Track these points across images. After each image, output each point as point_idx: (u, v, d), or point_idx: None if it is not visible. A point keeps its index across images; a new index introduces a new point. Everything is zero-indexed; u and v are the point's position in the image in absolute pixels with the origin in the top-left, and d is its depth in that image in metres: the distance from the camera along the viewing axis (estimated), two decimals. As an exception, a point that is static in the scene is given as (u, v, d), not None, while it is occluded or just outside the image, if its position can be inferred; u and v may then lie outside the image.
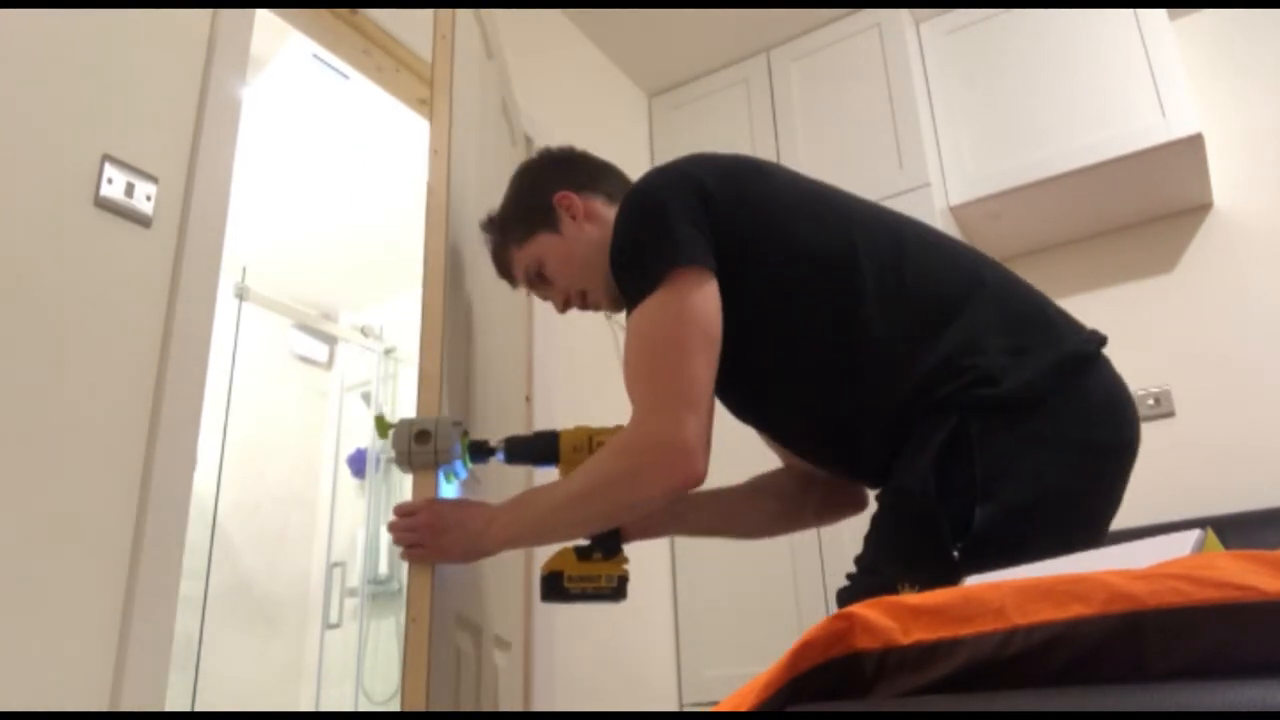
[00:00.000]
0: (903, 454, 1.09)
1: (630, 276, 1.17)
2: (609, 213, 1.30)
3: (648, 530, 1.39)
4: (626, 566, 1.29)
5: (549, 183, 1.34)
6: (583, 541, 1.28)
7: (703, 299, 1.12)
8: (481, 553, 1.26)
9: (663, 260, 1.12)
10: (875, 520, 1.13)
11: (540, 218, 1.32)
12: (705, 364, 1.10)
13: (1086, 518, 1.09)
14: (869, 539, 1.13)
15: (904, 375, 1.09)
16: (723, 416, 1.19)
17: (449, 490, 1.31)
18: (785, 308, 1.16)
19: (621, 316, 1.32)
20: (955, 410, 1.05)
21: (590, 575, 1.28)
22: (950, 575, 0.97)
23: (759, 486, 1.42)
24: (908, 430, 1.09)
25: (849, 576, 1.13)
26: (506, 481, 1.67)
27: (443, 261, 1.37)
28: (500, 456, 1.31)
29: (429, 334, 1.34)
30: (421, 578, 1.23)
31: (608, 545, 1.28)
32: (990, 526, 1.00)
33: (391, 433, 1.28)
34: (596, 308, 1.36)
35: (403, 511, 1.25)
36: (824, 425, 1.19)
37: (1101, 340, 1.14)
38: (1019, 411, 1.05)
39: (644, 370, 1.13)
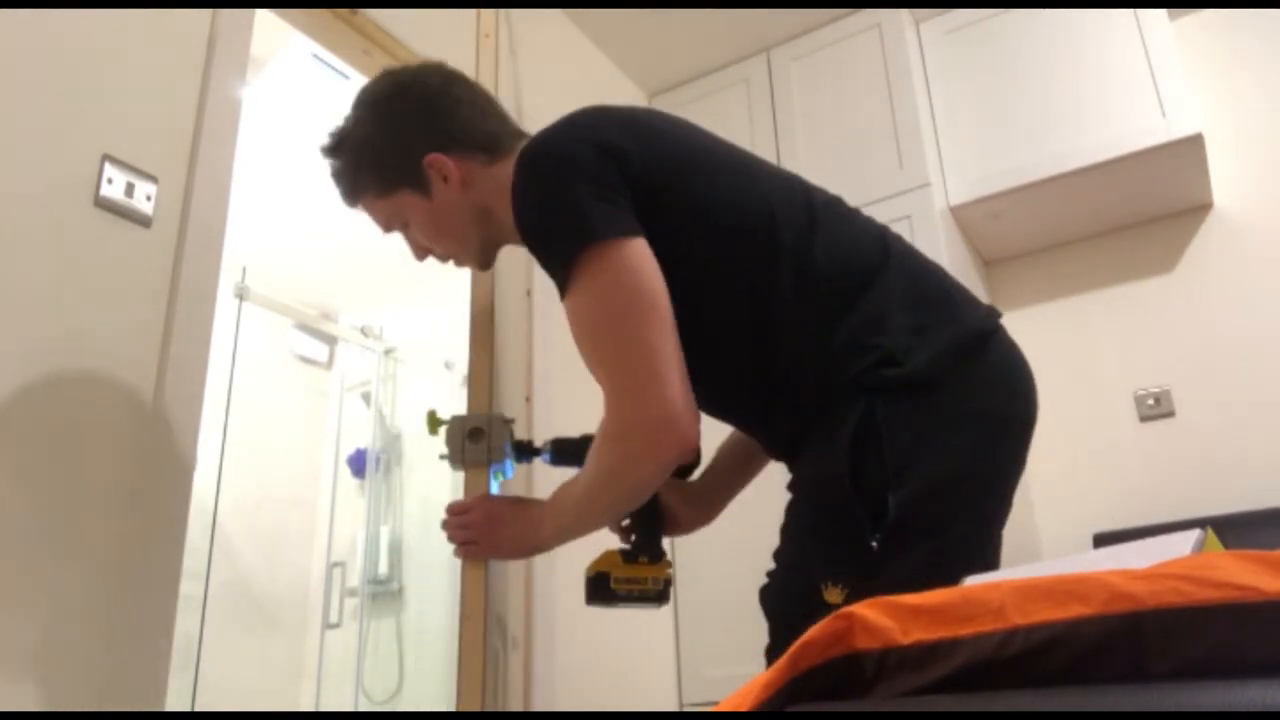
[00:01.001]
0: (812, 438, 1.07)
1: (551, 258, 1.10)
2: (487, 174, 1.22)
3: (699, 519, 1.36)
4: (670, 570, 1.30)
5: (417, 137, 1.22)
6: (625, 546, 1.28)
7: (632, 262, 1.04)
8: (536, 548, 1.25)
9: (574, 243, 1.05)
10: (790, 510, 1.11)
11: (407, 175, 1.22)
12: (656, 325, 1.04)
13: (996, 492, 1.08)
14: (786, 531, 1.11)
15: (816, 349, 1.07)
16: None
17: (494, 490, 1.31)
18: (699, 276, 1.10)
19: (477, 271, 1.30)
20: (863, 393, 1.03)
21: (637, 578, 1.28)
22: (871, 567, 0.97)
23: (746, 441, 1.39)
24: (819, 409, 1.07)
25: (769, 574, 1.12)
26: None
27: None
28: (546, 457, 1.31)
29: (479, 332, 1.34)
30: (475, 574, 1.24)
31: (652, 549, 1.28)
32: (905, 513, 0.98)
33: (444, 430, 1.27)
34: (460, 265, 1.32)
35: (456, 509, 1.24)
36: (738, 395, 1.16)
37: (997, 315, 1.14)
38: (922, 391, 1.03)
39: (596, 355, 1.08)
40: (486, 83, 1.44)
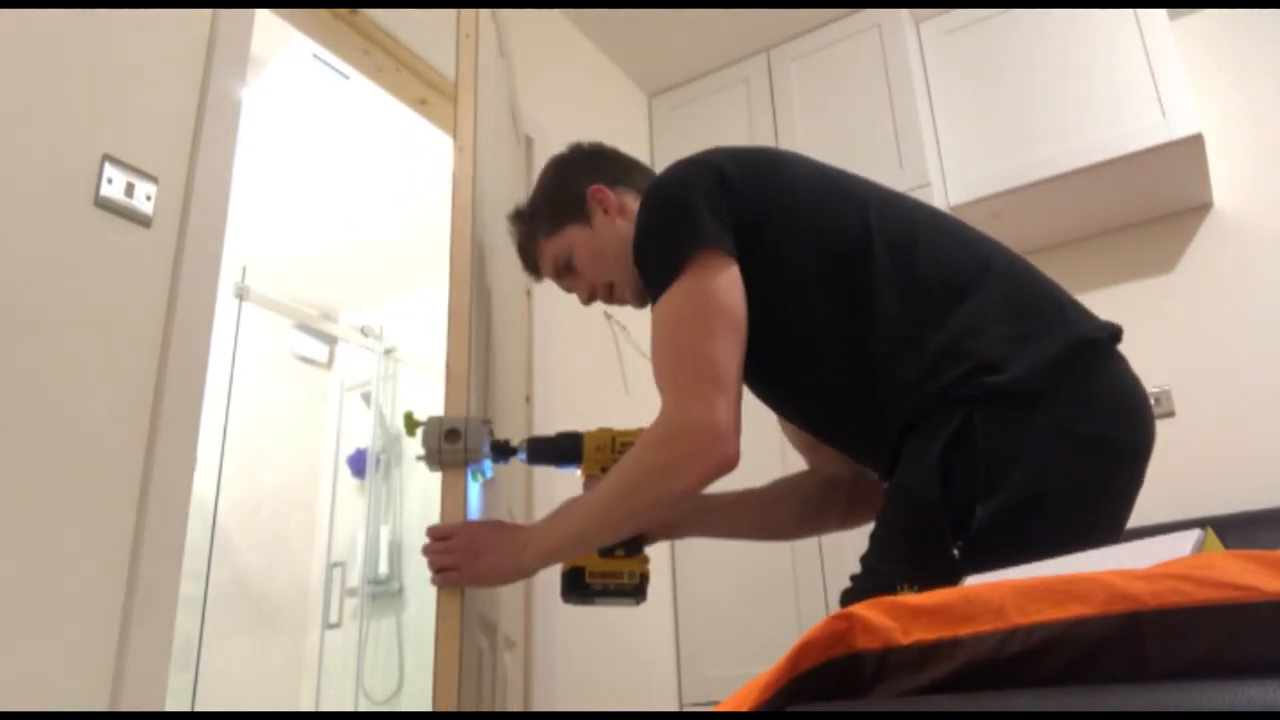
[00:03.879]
0: (908, 447, 1.08)
1: (652, 265, 1.17)
2: (638, 207, 1.30)
3: (674, 529, 1.39)
4: (648, 566, 1.29)
5: (581, 176, 1.35)
6: None
7: (724, 282, 1.12)
8: (520, 574, 1.24)
9: (684, 246, 1.13)
10: (880, 518, 1.12)
11: (572, 210, 1.33)
12: (730, 346, 1.10)
13: (1092, 518, 1.06)
14: (874, 536, 1.12)
15: (913, 360, 1.08)
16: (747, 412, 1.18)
17: (474, 490, 1.31)
18: (801, 297, 1.15)
19: (619, 315, 1.33)
20: (961, 403, 1.04)
21: (613, 571, 1.27)
22: (951, 575, 0.97)
23: (783, 489, 1.41)
24: (917, 419, 1.07)
25: (853, 578, 1.13)
26: (513, 481, 1.67)
27: (469, 259, 1.37)
28: (522, 456, 1.31)
29: (456, 332, 1.33)
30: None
31: (630, 542, 1.27)
32: (991, 525, 0.99)
33: (421, 430, 1.27)
34: (622, 302, 1.36)
35: (437, 534, 1.24)
36: (840, 410, 1.18)
37: (1115, 330, 1.12)
38: (1022, 402, 1.03)
39: (669, 357, 1.13)
40: (465, 85, 1.45)
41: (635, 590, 1.28)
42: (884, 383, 1.11)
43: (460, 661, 1.17)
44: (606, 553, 1.27)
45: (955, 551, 0.99)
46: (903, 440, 1.09)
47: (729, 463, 1.08)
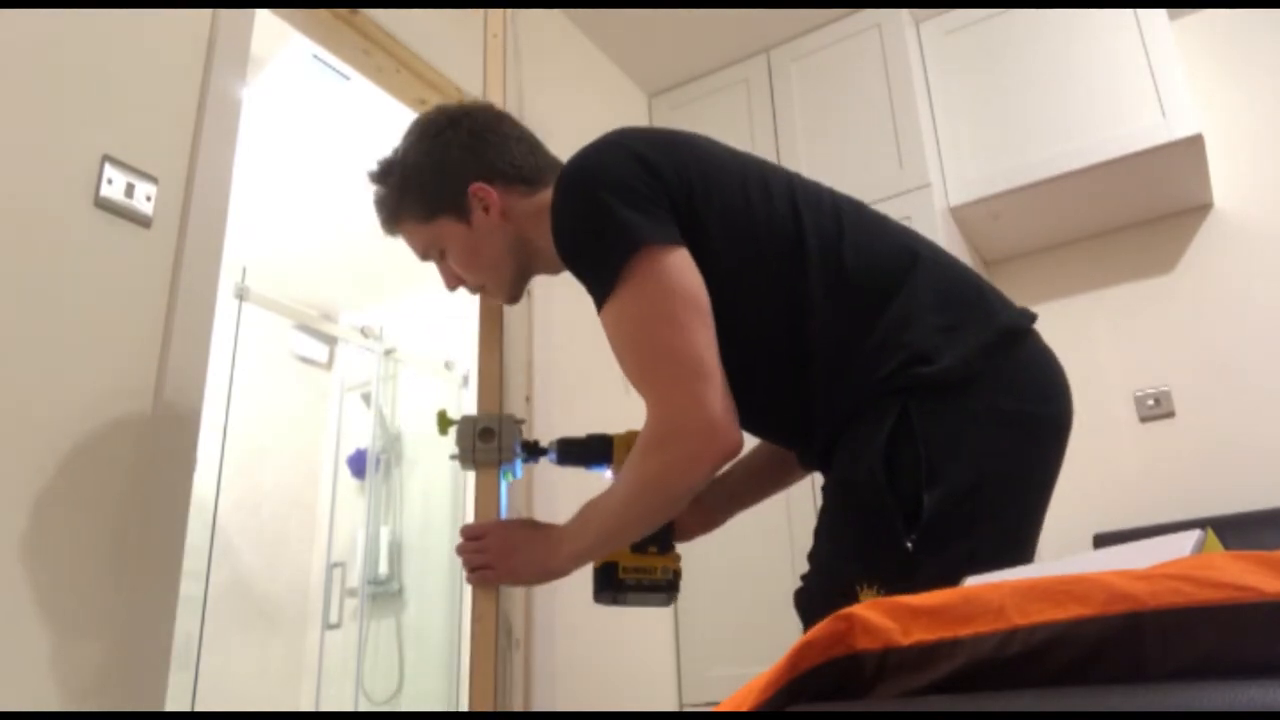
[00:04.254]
0: (845, 441, 1.07)
1: (591, 269, 1.11)
2: (526, 205, 1.25)
3: (707, 524, 1.38)
4: (680, 563, 1.29)
5: (463, 164, 1.25)
6: None
7: (675, 270, 1.06)
8: (553, 573, 1.23)
9: (622, 247, 1.06)
10: (824, 514, 1.11)
11: (450, 202, 1.25)
12: (702, 331, 1.06)
13: (1030, 492, 1.08)
14: (819, 533, 1.11)
15: (848, 356, 1.08)
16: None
17: (502, 490, 1.31)
18: (732, 287, 1.11)
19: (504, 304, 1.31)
20: (897, 394, 1.04)
21: (646, 567, 1.26)
22: (906, 568, 0.97)
23: (769, 447, 1.40)
24: (853, 412, 1.07)
25: (803, 577, 1.12)
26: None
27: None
28: (552, 457, 1.30)
29: (487, 332, 1.34)
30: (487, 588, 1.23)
31: (661, 540, 1.27)
32: (940, 512, 0.99)
33: (454, 429, 1.27)
34: (490, 298, 1.34)
35: (470, 534, 1.24)
36: (774, 405, 1.16)
37: (1032, 317, 1.14)
38: (954, 391, 1.04)
39: (642, 358, 1.09)
40: (495, 84, 1.45)
41: (668, 586, 1.28)
42: (821, 377, 1.09)
43: (496, 661, 1.17)
44: (639, 549, 1.26)
45: (909, 544, 0.98)
46: (839, 433, 1.08)
47: (733, 449, 1.06)
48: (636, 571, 1.26)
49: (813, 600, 1.09)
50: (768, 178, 1.18)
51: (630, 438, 1.29)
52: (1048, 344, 1.14)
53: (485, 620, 1.20)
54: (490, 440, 1.25)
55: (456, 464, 1.29)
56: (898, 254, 1.13)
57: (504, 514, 1.31)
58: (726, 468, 1.13)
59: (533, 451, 1.30)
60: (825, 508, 1.11)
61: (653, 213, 1.08)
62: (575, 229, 1.12)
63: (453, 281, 1.32)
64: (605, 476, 1.30)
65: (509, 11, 1.57)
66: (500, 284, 1.30)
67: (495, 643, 1.18)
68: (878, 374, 1.05)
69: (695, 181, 1.12)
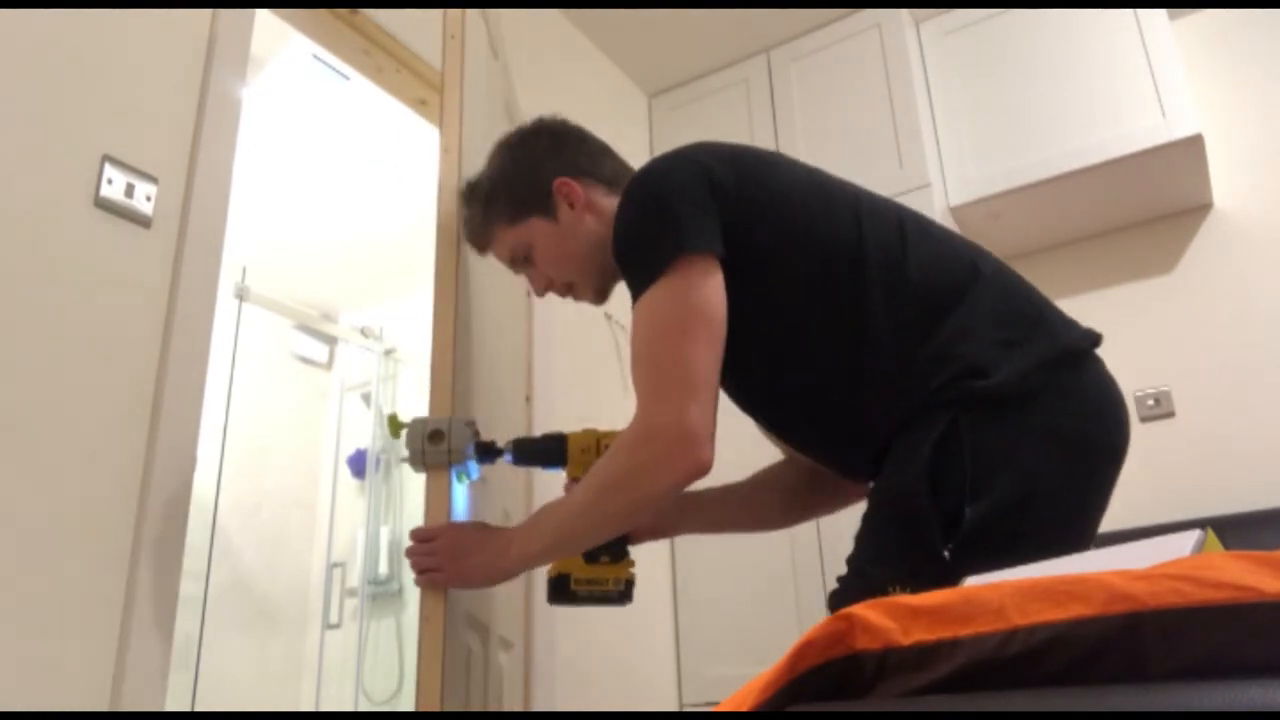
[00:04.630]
0: (895, 450, 1.08)
1: (635, 265, 1.15)
2: (608, 203, 1.27)
3: (658, 531, 1.39)
4: (633, 570, 1.29)
5: (547, 164, 1.28)
6: None
7: (707, 286, 1.09)
8: (503, 575, 1.24)
9: (668, 248, 1.10)
10: (866, 519, 1.12)
11: (536, 200, 1.27)
12: (708, 350, 1.08)
13: (1076, 516, 1.08)
14: (859, 538, 1.12)
15: (904, 369, 1.08)
16: (724, 411, 1.18)
17: (460, 491, 1.31)
18: (792, 299, 1.14)
19: (619, 315, 1.32)
20: (948, 406, 1.04)
21: (598, 578, 1.27)
22: (941, 576, 0.97)
23: (764, 480, 1.41)
24: (904, 422, 1.08)
25: (839, 579, 1.13)
26: (509, 482, 1.67)
27: (454, 261, 1.37)
28: (508, 458, 1.31)
29: (440, 334, 1.33)
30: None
31: (614, 548, 1.27)
32: (980, 525, 0.99)
33: (404, 432, 1.27)
34: (579, 299, 1.34)
35: (420, 536, 1.24)
36: (827, 420, 1.18)
37: (1095, 338, 1.14)
38: (1010, 406, 1.04)
39: (646, 359, 1.11)
40: (452, 86, 1.45)
41: (620, 596, 1.28)
42: (874, 387, 1.10)
43: (443, 662, 1.17)
44: (591, 559, 1.27)
45: (946, 553, 0.99)
46: (889, 443, 1.09)
47: (701, 467, 1.07)
48: (589, 583, 1.27)
49: (846, 602, 1.09)
50: (832, 191, 1.20)
51: (584, 437, 1.29)
52: (1109, 371, 1.14)
53: (432, 621, 1.20)
54: (440, 442, 1.25)
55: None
56: (960, 268, 1.14)
57: (463, 515, 1.31)
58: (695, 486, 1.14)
59: (487, 452, 1.30)
60: (867, 514, 1.12)
61: (704, 223, 1.11)
62: (630, 229, 1.16)
63: (542, 284, 1.33)
64: (561, 476, 1.31)
65: (485, 11, 1.57)
66: (588, 280, 1.30)
67: (443, 644, 1.18)
68: (930, 385, 1.06)
69: (758, 196, 1.15)
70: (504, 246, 1.32)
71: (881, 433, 1.10)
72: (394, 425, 1.30)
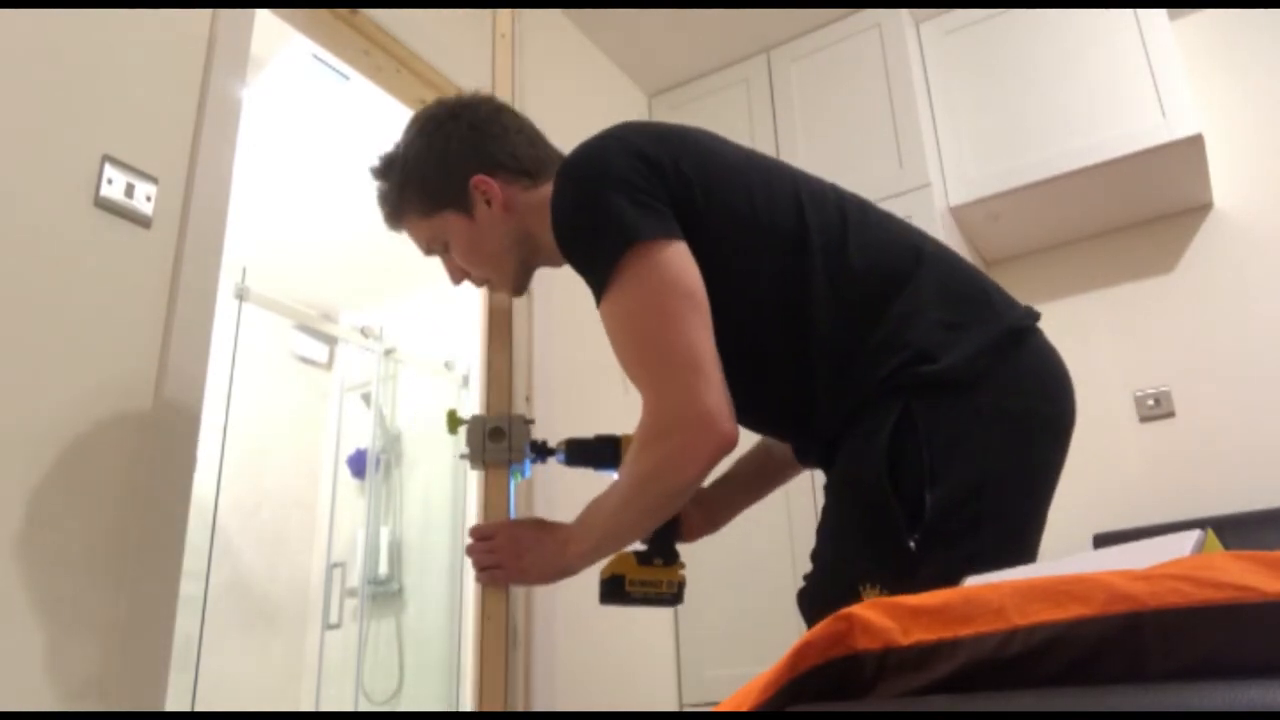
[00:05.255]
0: (848, 440, 1.07)
1: (588, 262, 1.11)
2: (528, 198, 1.24)
3: (707, 526, 1.38)
4: (684, 572, 1.30)
5: (464, 157, 1.24)
6: (640, 546, 1.28)
7: (671, 264, 1.06)
8: (563, 572, 1.23)
9: (615, 244, 1.06)
10: (826, 513, 1.10)
11: (452, 195, 1.24)
12: (697, 324, 1.05)
13: (1033, 492, 1.08)
14: (822, 533, 1.11)
15: (850, 353, 1.07)
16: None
17: (510, 489, 1.31)
18: (735, 282, 1.11)
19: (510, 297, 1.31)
20: (899, 393, 1.03)
21: (652, 581, 1.28)
22: (909, 567, 0.97)
23: (770, 443, 1.40)
24: (855, 410, 1.07)
25: (806, 577, 1.11)
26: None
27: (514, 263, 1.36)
28: (560, 458, 1.30)
29: (496, 331, 1.34)
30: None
31: (666, 552, 1.28)
32: (942, 512, 0.99)
33: (464, 429, 1.27)
34: (494, 291, 1.34)
35: (480, 534, 1.24)
36: (775, 405, 1.16)
37: (1035, 315, 1.13)
38: (960, 389, 1.03)
39: (637, 351, 1.08)
40: (503, 84, 1.44)
41: (674, 598, 1.29)
42: (823, 375, 1.09)
43: (506, 660, 1.17)
44: (645, 561, 1.27)
45: (911, 544, 0.98)
46: (840, 432, 1.08)
47: (729, 442, 1.04)
48: (643, 585, 1.27)
49: (815, 600, 1.09)
50: (771, 174, 1.17)
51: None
52: (1051, 344, 1.14)
53: (494, 620, 1.20)
54: (500, 440, 1.25)
55: (457, 464, 1.29)
56: (902, 252, 1.13)
57: (513, 514, 1.31)
58: (725, 465, 1.13)
59: (541, 452, 1.30)
60: (828, 507, 1.11)
61: (651, 207, 1.08)
62: (573, 223, 1.12)
63: (457, 275, 1.32)
64: (613, 478, 1.31)
65: (516, 11, 1.57)
66: (504, 277, 1.30)
67: (505, 643, 1.18)
68: (880, 372, 1.05)
69: (695, 177, 1.12)
70: (418, 235, 1.30)
71: (832, 419, 1.09)
72: (453, 421, 1.30)
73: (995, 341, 1.07)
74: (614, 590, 1.27)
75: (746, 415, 1.16)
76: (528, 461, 1.28)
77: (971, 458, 1.02)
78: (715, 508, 1.39)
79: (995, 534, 1.02)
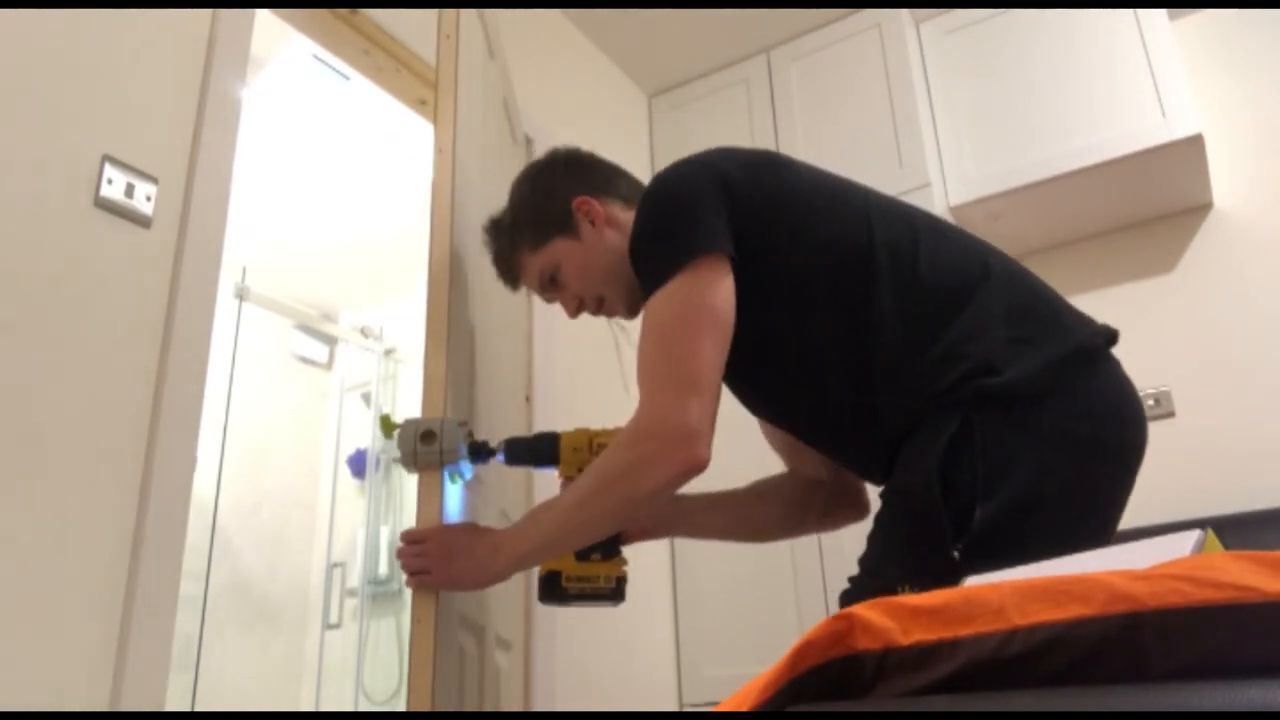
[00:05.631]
0: (906, 450, 1.08)
1: (649, 265, 1.16)
2: (626, 217, 1.29)
3: (650, 530, 1.39)
4: (625, 568, 1.29)
5: (564, 186, 1.31)
6: None
7: (717, 287, 1.11)
8: (493, 578, 1.23)
9: (683, 248, 1.12)
10: (878, 519, 1.12)
11: (557, 222, 1.30)
12: (712, 348, 1.09)
13: (1089, 518, 1.07)
14: (872, 538, 1.12)
15: (914, 367, 1.09)
16: (727, 417, 1.17)
17: (453, 492, 1.31)
18: (802, 300, 1.15)
19: (624, 319, 1.32)
20: (960, 405, 1.04)
21: (589, 575, 1.27)
22: (951, 576, 0.97)
23: (763, 490, 1.41)
24: (916, 422, 1.08)
25: (851, 579, 1.13)
26: (508, 483, 1.66)
27: (447, 262, 1.37)
28: (500, 458, 1.31)
29: (433, 335, 1.33)
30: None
31: (606, 546, 1.27)
32: (990, 526, 0.99)
33: (397, 433, 1.27)
34: (611, 314, 1.35)
35: (410, 538, 1.24)
36: (837, 418, 1.18)
37: (1111, 335, 1.13)
38: (1022, 405, 1.04)
39: (651, 356, 1.12)
40: (446, 86, 1.45)
41: (612, 594, 1.28)
42: (885, 387, 1.11)
43: (435, 663, 1.17)
44: (583, 556, 1.27)
45: (955, 553, 0.99)
46: (901, 442, 1.09)
47: (697, 465, 1.07)
48: (580, 580, 1.27)
49: (855, 600, 1.09)
50: (840, 193, 1.21)
51: (577, 436, 1.29)
52: (1124, 370, 1.13)
53: (424, 623, 1.19)
54: (431, 443, 1.24)
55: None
56: (970, 267, 1.14)
57: (456, 516, 1.31)
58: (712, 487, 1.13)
59: (480, 452, 1.29)
60: (880, 513, 1.12)
61: (716, 226, 1.13)
62: (645, 231, 1.18)
63: (574, 305, 1.34)
64: (554, 476, 1.30)
65: (479, 11, 1.56)
66: (618, 293, 1.31)
67: (434, 646, 1.18)
68: (942, 384, 1.06)
69: (770, 200, 1.17)
70: (532, 272, 1.33)
71: (893, 433, 1.10)
72: (386, 426, 1.31)
73: (1063, 358, 1.06)
74: (550, 588, 1.27)
75: (812, 434, 1.21)
76: (464, 463, 1.28)
77: (1027, 475, 1.01)
78: (666, 515, 1.39)
79: (1042, 554, 1.01)
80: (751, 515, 1.42)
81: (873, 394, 1.12)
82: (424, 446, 1.25)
